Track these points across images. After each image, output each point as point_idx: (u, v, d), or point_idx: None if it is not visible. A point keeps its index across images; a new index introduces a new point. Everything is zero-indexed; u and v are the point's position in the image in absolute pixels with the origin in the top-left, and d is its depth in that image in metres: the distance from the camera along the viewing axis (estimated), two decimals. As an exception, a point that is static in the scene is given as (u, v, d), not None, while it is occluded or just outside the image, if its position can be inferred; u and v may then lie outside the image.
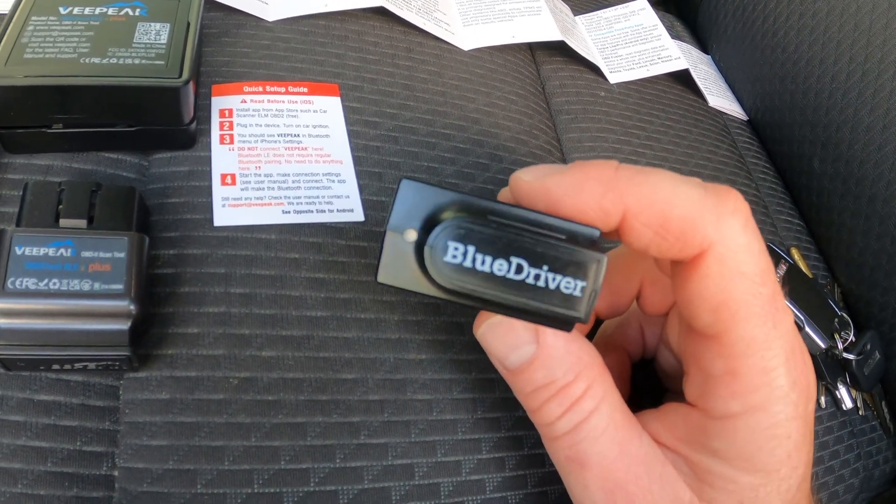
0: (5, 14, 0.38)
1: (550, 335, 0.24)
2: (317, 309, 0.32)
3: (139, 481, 0.27)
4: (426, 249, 0.21)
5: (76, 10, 0.34)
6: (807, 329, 0.45)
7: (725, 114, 0.58)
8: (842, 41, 0.53)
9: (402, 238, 0.22)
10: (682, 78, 0.56)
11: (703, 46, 0.65)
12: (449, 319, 0.34)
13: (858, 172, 0.51)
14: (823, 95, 0.54)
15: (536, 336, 0.24)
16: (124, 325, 0.27)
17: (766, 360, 0.23)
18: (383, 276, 0.23)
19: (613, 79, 0.52)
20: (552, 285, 0.21)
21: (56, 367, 0.28)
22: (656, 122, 0.51)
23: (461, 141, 0.40)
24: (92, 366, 0.28)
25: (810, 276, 0.51)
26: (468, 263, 0.21)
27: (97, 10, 0.35)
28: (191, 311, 0.30)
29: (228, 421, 0.29)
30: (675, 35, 0.60)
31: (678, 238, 0.22)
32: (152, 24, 0.35)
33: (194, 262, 0.31)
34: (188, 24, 0.35)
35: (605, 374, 0.25)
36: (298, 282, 0.32)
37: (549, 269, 0.21)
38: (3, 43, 0.32)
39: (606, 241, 0.23)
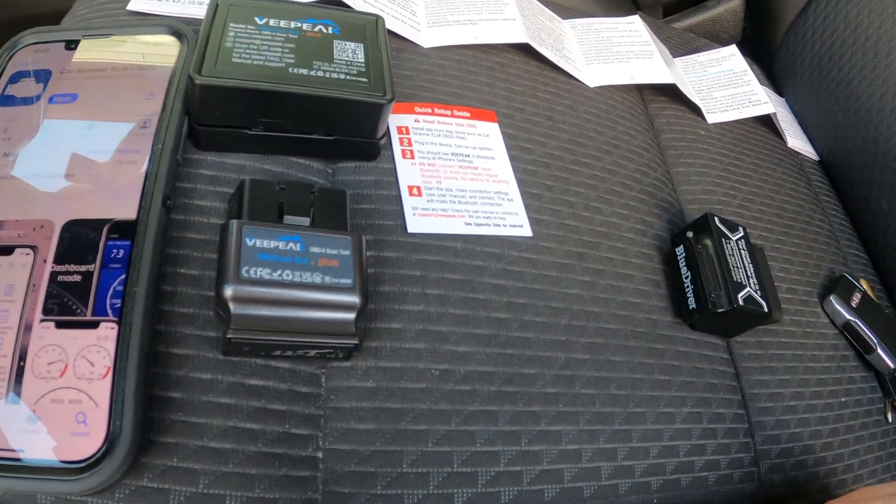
0: (186, 17, 0.42)
1: None
2: (500, 311, 0.36)
3: (346, 462, 0.31)
4: None
5: (272, 22, 0.38)
6: (878, 350, 0.50)
7: (800, 154, 0.63)
8: (911, 94, 0.58)
9: None
10: (763, 119, 0.61)
11: (778, 89, 0.70)
12: (605, 326, 0.39)
13: (922, 215, 0.56)
14: (892, 142, 0.59)
15: None
16: (351, 316, 0.30)
17: None
18: None
19: (711, 119, 0.57)
20: None
21: (277, 353, 0.31)
22: (747, 161, 0.56)
23: (597, 170, 0.45)
24: (313, 353, 0.31)
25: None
26: None
27: (293, 24, 0.38)
28: (392, 308, 0.35)
29: (431, 407, 0.33)
30: (754, 78, 0.64)
31: None
32: (347, 42, 0.38)
33: (391, 263, 0.36)
34: (379, 46, 0.38)
35: None
36: (483, 286, 0.36)
37: None
38: (208, 45, 0.35)
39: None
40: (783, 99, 0.69)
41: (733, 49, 0.63)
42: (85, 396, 0.27)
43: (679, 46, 0.65)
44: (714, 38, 0.76)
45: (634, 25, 0.57)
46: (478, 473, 0.32)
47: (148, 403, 0.29)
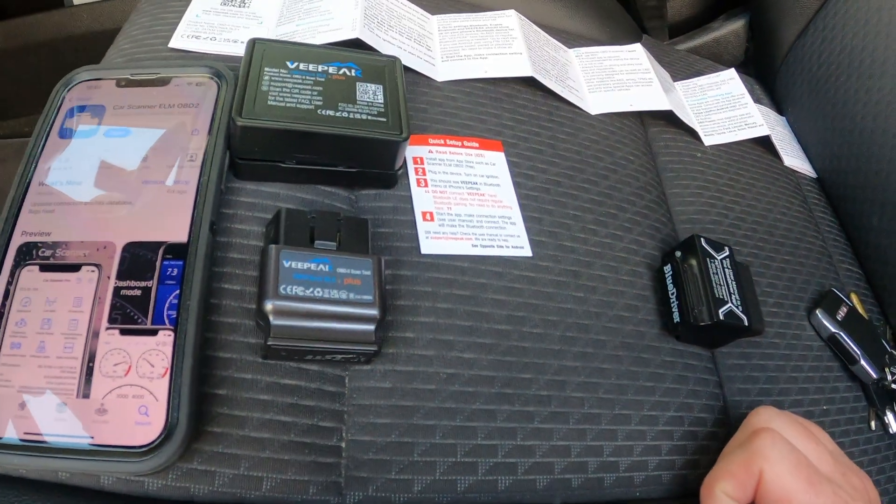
0: (223, 54, 0.47)
1: None
2: (501, 323, 0.41)
3: (365, 450, 0.36)
4: None
5: (302, 66, 0.43)
6: (862, 362, 0.54)
7: (797, 172, 0.67)
8: (903, 117, 0.62)
9: None
10: (761, 139, 0.65)
11: (779, 107, 0.74)
12: (595, 337, 0.43)
13: (913, 231, 0.60)
14: (884, 161, 0.63)
15: None
16: (371, 327, 0.36)
17: None
18: None
19: (708, 141, 0.61)
20: None
21: (309, 357, 0.36)
22: (742, 181, 0.60)
23: (595, 194, 0.50)
24: (339, 358, 0.36)
25: (866, 317, 0.59)
26: None
27: (320, 68, 0.43)
28: (407, 320, 0.40)
29: (439, 406, 0.38)
30: (755, 98, 0.68)
31: None
32: (368, 84, 0.43)
33: (407, 281, 0.41)
34: (397, 87, 0.43)
35: None
36: (486, 301, 0.41)
37: None
38: (247, 89, 0.40)
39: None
40: (784, 118, 0.73)
41: (732, 73, 0.67)
42: (147, 392, 0.32)
43: (681, 70, 0.69)
44: (718, 58, 0.80)
45: (635, 53, 0.61)
46: (478, 463, 0.37)
47: (199, 399, 0.34)
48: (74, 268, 0.35)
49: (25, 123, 0.86)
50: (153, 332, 0.34)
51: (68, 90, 0.43)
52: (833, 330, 0.54)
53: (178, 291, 0.35)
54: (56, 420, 0.32)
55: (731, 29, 0.80)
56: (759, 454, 0.36)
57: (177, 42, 0.48)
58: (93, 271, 0.35)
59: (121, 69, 0.43)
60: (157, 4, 0.53)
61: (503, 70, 0.52)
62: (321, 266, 0.36)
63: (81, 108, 0.42)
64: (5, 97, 0.83)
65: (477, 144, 0.48)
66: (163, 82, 0.43)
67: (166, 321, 0.34)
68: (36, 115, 0.85)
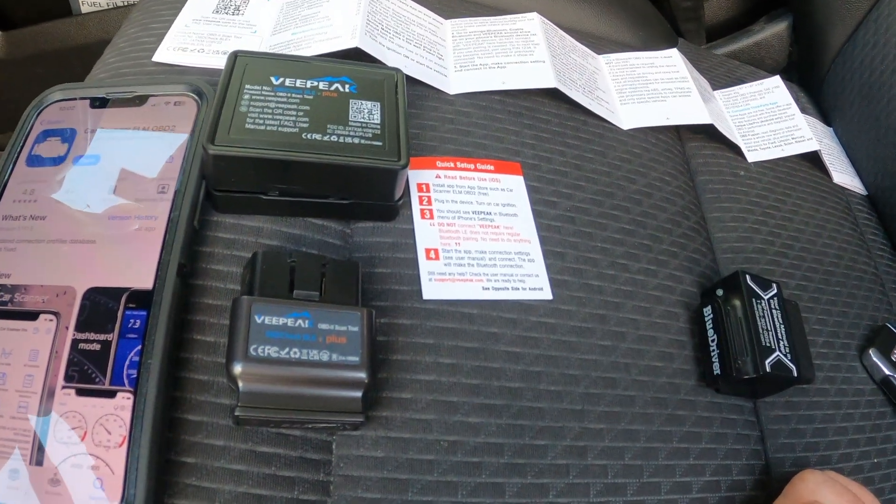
0: (211, 67, 0.42)
1: None
2: (514, 380, 0.36)
3: None
4: None
5: (288, 82, 0.37)
6: (917, 409, 0.48)
7: (847, 189, 0.61)
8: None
9: None
10: (808, 153, 0.59)
11: (825, 117, 0.68)
12: (623, 393, 0.38)
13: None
14: (943, 179, 0.57)
15: None
16: (358, 393, 0.30)
17: None
18: None
19: (751, 157, 0.55)
20: None
21: (286, 425, 0.32)
22: (789, 202, 0.54)
23: (626, 222, 0.44)
24: (320, 426, 0.31)
25: (923, 355, 0.53)
26: None
27: (308, 84, 0.38)
28: (403, 378, 0.35)
29: (438, 479, 0.33)
30: (801, 108, 0.62)
31: None
32: (364, 102, 0.38)
33: (405, 331, 0.36)
34: (397, 105, 0.38)
35: None
36: (497, 354, 0.36)
37: None
38: (223, 110, 0.35)
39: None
40: (830, 129, 0.66)
41: (777, 80, 0.61)
42: (102, 463, 0.29)
43: (721, 76, 0.63)
44: (759, 64, 0.74)
45: (672, 60, 0.55)
46: (483, 548, 0.32)
47: (164, 467, 0.30)
48: (32, 315, 0.32)
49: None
50: (111, 394, 0.30)
51: (40, 112, 0.39)
52: (887, 372, 0.49)
53: (139, 347, 0.31)
54: (8, 488, 0.29)
55: (773, 32, 0.73)
56: None
57: (162, 55, 0.43)
58: (51, 320, 0.32)
59: (96, 87, 0.40)
60: (149, 14, 0.48)
61: (523, 80, 0.47)
62: (300, 321, 0.31)
63: (51, 133, 0.38)
64: (12, 107, 0.80)
65: (492, 167, 0.43)
66: (139, 102, 0.39)
67: (126, 382, 0.30)
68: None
